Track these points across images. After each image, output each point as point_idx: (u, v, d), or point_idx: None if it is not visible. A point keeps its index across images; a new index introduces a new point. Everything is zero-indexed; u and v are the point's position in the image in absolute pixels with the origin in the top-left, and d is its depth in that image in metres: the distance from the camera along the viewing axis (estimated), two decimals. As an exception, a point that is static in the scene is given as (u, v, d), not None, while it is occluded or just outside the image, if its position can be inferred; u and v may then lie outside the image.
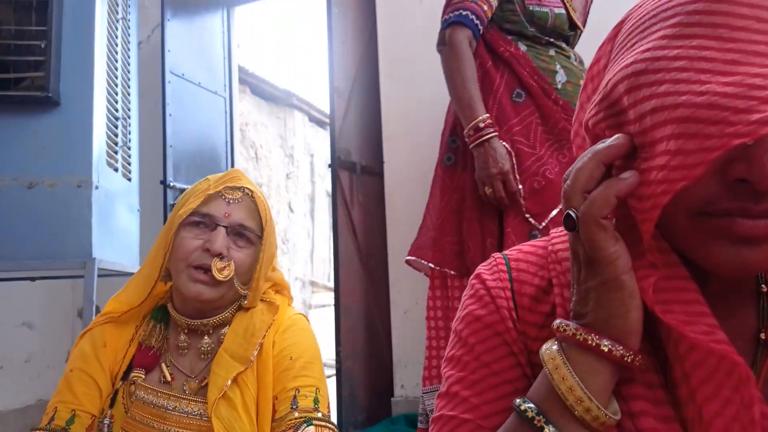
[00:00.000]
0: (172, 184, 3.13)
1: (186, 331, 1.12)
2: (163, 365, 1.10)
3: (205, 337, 1.11)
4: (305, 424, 1.03)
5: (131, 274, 2.62)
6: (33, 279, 2.67)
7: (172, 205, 3.15)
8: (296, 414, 1.04)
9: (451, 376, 0.62)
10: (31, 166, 2.01)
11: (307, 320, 1.22)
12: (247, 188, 1.13)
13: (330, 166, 2.96)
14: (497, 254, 0.67)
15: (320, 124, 10.88)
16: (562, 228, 0.62)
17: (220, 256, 1.06)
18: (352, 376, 2.84)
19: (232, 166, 3.69)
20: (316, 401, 1.07)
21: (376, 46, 3.09)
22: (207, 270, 1.06)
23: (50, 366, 3.41)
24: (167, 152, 3.10)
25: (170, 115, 3.10)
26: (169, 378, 1.09)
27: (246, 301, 1.13)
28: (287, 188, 9.86)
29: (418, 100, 2.99)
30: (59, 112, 2.03)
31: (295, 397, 1.06)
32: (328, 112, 2.95)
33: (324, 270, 10.94)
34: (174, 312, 1.13)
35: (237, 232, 1.10)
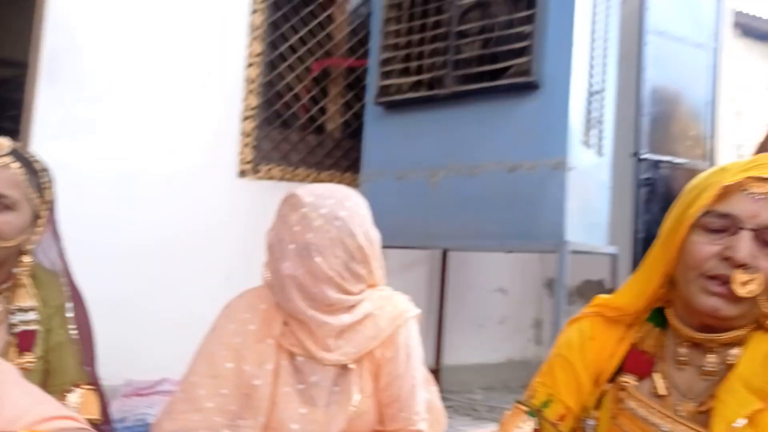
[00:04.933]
0: (644, 156, 2.85)
1: (687, 344, 0.99)
2: (658, 376, 1.00)
3: (709, 355, 0.97)
4: None
5: (599, 253, 2.56)
6: (509, 251, 2.89)
7: (644, 180, 2.90)
8: None
9: None
10: (512, 150, 2.13)
11: None
12: None
13: None
14: None
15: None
16: None
17: (743, 266, 0.88)
18: None
19: (713, 131, 3.19)
20: None
21: None
22: (725, 282, 0.90)
23: (519, 330, 3.68)
24: (640, 121, 2.83)
25: (647, 80, 2.80)
26: (663, 392, 0.98)
27: None
28: (775, 149, 8.14)
29: None
30: (538, 95, 2.08)
31: None
32: None
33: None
34: (675, 320, 1.00)
35: (766, 237, 0.89)
